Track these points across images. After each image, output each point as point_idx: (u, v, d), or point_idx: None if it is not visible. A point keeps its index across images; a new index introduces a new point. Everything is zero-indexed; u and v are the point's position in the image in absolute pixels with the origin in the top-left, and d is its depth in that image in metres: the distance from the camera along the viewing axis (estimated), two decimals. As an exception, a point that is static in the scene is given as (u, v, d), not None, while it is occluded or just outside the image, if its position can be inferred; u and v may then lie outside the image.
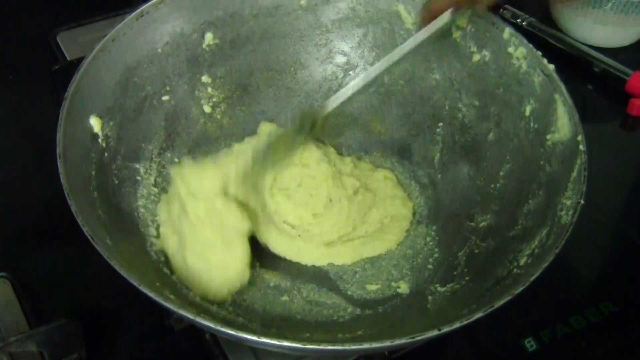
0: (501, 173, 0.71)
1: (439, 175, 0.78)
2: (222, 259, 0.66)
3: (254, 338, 0.51)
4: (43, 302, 0.69)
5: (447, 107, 0.78)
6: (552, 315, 0.70)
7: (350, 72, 0.83)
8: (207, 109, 0.79)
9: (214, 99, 0.79)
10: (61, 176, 0.58)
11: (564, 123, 0.65)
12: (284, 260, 0.73)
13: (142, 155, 0.73)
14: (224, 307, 0.66)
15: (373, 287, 0.71)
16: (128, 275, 0.53)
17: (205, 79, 0.78)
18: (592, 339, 0.69)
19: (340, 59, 0.83)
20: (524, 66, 0.70)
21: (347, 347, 0.52)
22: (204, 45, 0.77)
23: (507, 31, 0.71)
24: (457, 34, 0.75)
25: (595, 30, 0.98)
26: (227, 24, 0.77)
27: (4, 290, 0.69)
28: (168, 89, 0.75)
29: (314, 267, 0.73)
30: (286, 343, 0.51)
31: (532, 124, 0.69)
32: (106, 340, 0.67)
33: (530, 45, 0.70)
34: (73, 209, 0.55)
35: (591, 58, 0.96)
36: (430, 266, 0.72)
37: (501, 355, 0.69)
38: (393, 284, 0.71)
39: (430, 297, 0.67)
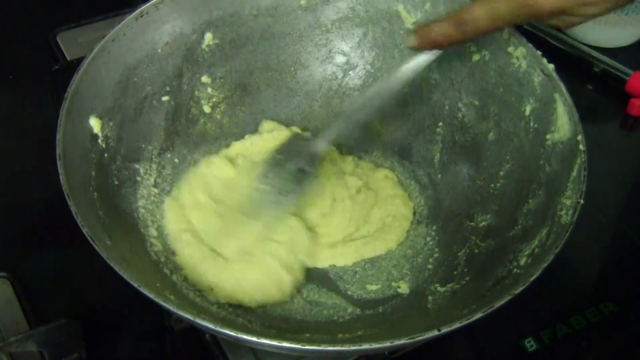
0: (501, 173, 0.71)
1: (439, 175, 0.78)
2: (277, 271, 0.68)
3: (254, 339, 0.51)
4: (43, 302, 0.69)
5: (446, 107, 0.78)
6: (552, 315, 0.70)
7: (350, 72, 0.83)
8: (207, 109, 0.79)
9: (214, 99, 0.79)
10: (61, 177, 0.58)
11: (563, 123, 0.65)
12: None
13: (141, 155, 0.73)
14: (223, 308, 0.66)
15: (373, 287, 0.71)
16: (127, 275, 0.53)
17: (205, 79, 0.78)
18: (592, 339, 0.69)
19: (340, 59, 0.82)
20: (524, 66, 0.70)
21: (346, 347, 0.51)
22: (203, 46, 0.77)
23: (507, 31, 0.71)
24: (457, 34, 0.75)
25: (595, 30, 0.98)
26: (226, 24, 0.77)
27: (4, 290, 0.69)
28: (168, 89, 0.75)
29: (314, 267, 0.73)
30: (286, 344, 0.51)
31: (532, 124, 0.69)
32: (106, 340, 0.67)
33: (530, 45, 0.70)
34: (73, 209, 0.55)
35: (591, 58, 0.96)
36: (430, 266, 0.72)
37: (501, 355, 0.69)
38: (393, 284, 0.71)
39: (430, 297, 0.67)
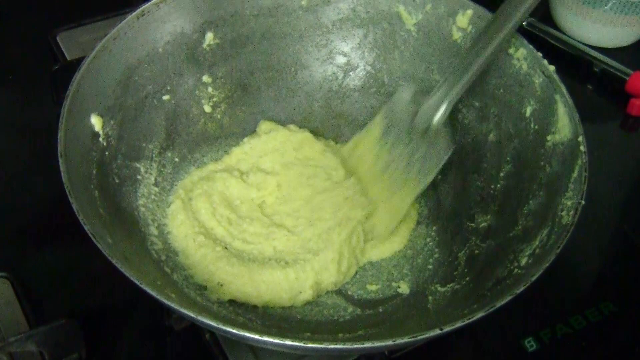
0: (501, 174, 0.71)
1: (439, 176, 0.78)
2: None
3: (256, 337, 0.51)
4: (43, 302, 0.69)
5: (447, 108, 0.78)
6: (552, 315, 0.70)
7: (351, 73, 0.83)
8: (207, 108, 0.79)
9: (215, 99, 0.79)
10: (62, 175, 0.58)
11: (564, 124, 0.65)
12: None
13: (142, 154, 0.73)
14: (224, 307, 0.66)
15: (373, 287, 0.71)
16: (130, 273, 0.53)
17: (205, 78, 0.78)
18: (592, 339, 0.69)
19: (340, 60, 0.83)
20: (525, 67, 0.70)
21: (348, 345, 0.51)
22: (204, 45, 0.77)
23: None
24: (457, 35, 0.75)
25: (595, 30, 0.98)
26: (227, 24, 0.77)
27: (4, 290, 0.69)
28: (169, 88, 0.75)
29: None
30: (288, 342, 0.51)
31: (532, 125, 0.69)
32: (106, 340, 0.67)
33: (531, 47, 0.70)
34: (74, 207, 0.55)
35: (591, 58, 0.96)
36: (430, 266, 0.72)
37: (501, 355, 0.69)
38: (393, 284, 0.71)
39: (430, 297, 0.67)
